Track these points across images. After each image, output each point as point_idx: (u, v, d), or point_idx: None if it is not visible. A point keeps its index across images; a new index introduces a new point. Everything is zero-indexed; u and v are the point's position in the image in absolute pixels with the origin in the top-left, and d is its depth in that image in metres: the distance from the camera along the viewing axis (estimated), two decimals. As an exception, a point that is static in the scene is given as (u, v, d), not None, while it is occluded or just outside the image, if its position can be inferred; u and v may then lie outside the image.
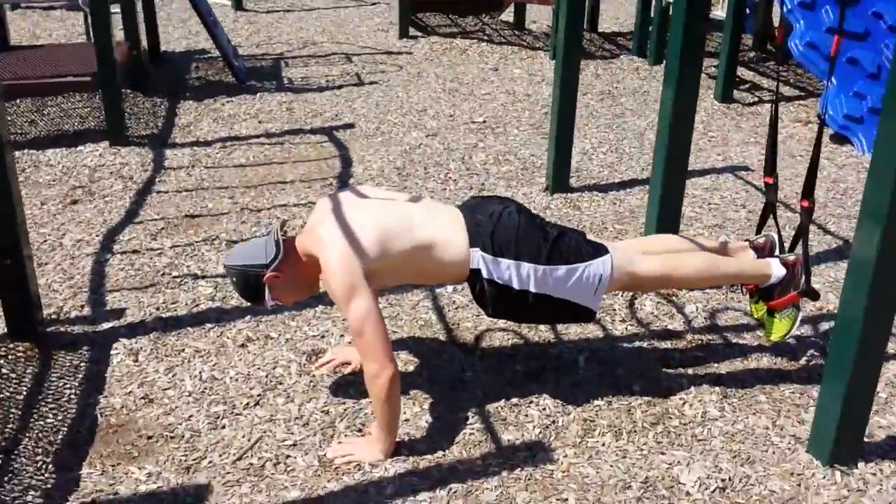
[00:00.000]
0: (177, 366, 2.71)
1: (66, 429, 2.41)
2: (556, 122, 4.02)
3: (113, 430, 2.42)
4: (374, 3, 9.28)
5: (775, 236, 2.68)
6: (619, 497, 2.12)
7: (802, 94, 6.00)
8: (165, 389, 2.60)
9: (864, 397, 2.12)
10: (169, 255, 3.43)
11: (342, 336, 2.87)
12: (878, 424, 2.39)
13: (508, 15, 8.33)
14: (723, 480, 2.17)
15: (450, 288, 3.17)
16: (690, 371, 2.69)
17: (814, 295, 2.53)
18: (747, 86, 6.17)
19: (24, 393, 2.55)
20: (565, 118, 4.01)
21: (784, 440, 2.33)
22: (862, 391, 2.11)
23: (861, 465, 2.20)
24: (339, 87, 6.03)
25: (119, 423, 2.45)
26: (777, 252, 2.65)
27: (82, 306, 3.05)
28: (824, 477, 2.16)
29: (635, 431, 2.38)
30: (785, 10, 5.11)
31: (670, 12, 7.46)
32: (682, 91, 3.08)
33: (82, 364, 2.72)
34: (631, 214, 3.93)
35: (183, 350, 2.80)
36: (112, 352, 2.78)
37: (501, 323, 2.95)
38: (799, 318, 2.53)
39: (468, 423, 2.42)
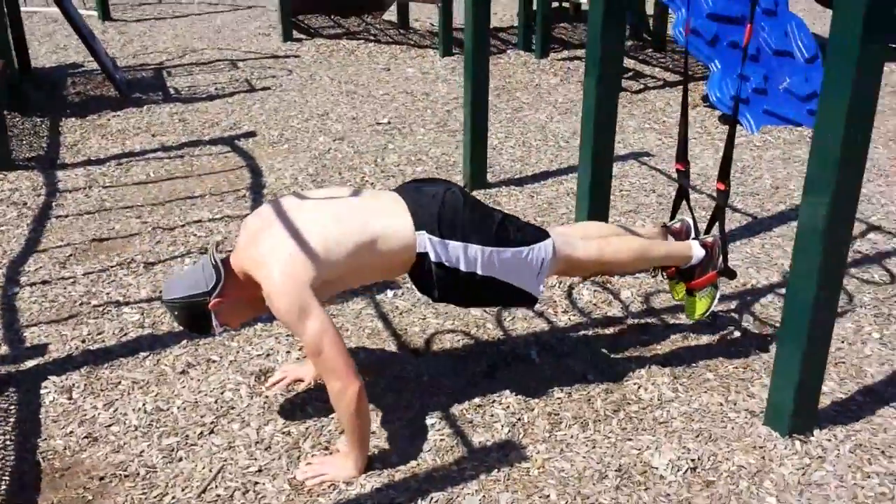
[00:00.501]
0: (116, 400, 2.55)
1: (7, 478, 2.23)
2: (469, 119, 4.04)
3: (59, 475, 2.25)
4: (249, 7, 9.02)
5: (689, 220, 2.79)
6: (598, 487, 2.16)
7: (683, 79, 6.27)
8: (109, 426, 2.44)
9: (818, 367, 2.25)
10: (84, 284, 3.22)
11: (288, 353, 2.79)
12: (821, 392, 2.53)
13: (390, 14, 8.30)
14: (692, 461, 2.25)
15: (390, 293, 3.13)
16: (637, 354, 2.77)
17: (731, 274, 2.66)
18: (630, 73, 6.40)
19: (-48, 446, 2.34)
20: (478, 114, 4.04)
21: (740, 415, 2.43)
22: (815, 361, 2.23)
23: (816, 432, 2.33)
24: (231, 94, 5.83)
25: (64, 466, 2.28)
26: (692, 235, 2.76)
27: (-2, 345, 2.83)
28: (785, 447, 2.28)
29: (599, 420, 2.43)
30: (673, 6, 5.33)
31: (553, 6, 7.68)
32: (604, 81, 3.15)
33: (11, 407, 2.52)
34: (549, 206, 4.00)
35: (119, 383, 2.64)
36: (42, 391, 2.59)
37: (449, 324, 2.94)
38: (717, 297, 2.65)
39: (436, 428, 2.40)
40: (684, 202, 2.86)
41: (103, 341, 2.86)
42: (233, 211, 3.90)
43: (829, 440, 2.31)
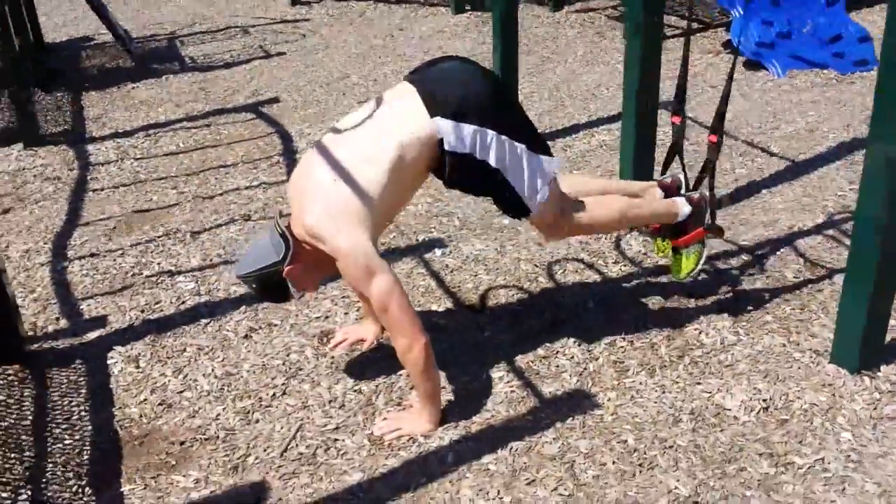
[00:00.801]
0: (184, 366, 2.58)
1: (88, 448, 2.26)
2: (500, 73, 4.01)
3: (139, 442, 2.29)
4: (253, -28, 8.91)
5: (681, 175, 2.70)
6: (674, 430, 2.19)
7: (702, 26, 6.22)
8: (181, 392, 2.47)
9: (887, 301, 2.27)
10: (133, 255, 3.24)
11: (346, 314, 2.81)
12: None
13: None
14: (763, 401, 2.28)
15: (438, 252, 3.15)
16: (692, 301, 2.79)
17: (719, 231, 2.61)
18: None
19: (30, 418, 2.37)
20: (508, 69, 4.02)
21: (805, 355, 2.46)
22: (885, 295, 2.25)
23: (883, 367, 2.36)
24: (247, 60, 5.79)
25: (143, 433, 2.32)
26: (683, 190, 2.67)
27: (57, 319, 2.85)
28: (854, 384, 2.31)
29: (665, 366, 2.46)
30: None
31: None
32: (646, 34, 3.12)
33: (81, 379, 2.55)
34: (583, 159, 3.99)
35: (185, 350, 2.67)
36: (109, 361, 2.62)
37: (501, 280, 2.96)
38: (705, 254, 2.57)
39: (504, 381, 2.43)
40: (677, 156, 2.76)
41: (161, 310, 2.88)
42: (268, 178, 3.90)
43: (897, 375, 2.34)
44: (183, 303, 2.92)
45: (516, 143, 2.20)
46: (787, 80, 4.95)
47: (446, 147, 2.14)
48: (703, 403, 2.29)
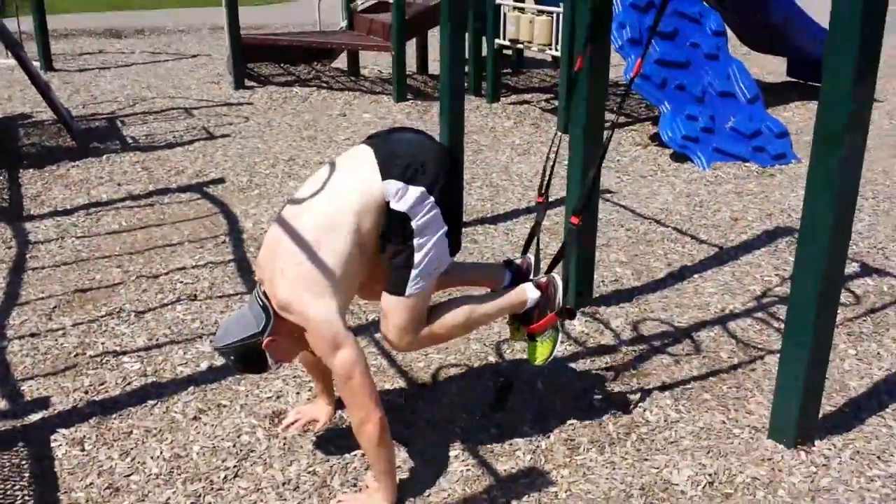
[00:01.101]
0: (131, 449, 2.53)
1: (31, 538, 2.19)
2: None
3: (85, 529, 2.23)
4: (194, 56, 9.03)
5: (531, 258, 2.64)
6: (626, 505, 2.26)
7: (631, 120, 6.57)
8: (128, 476, 2.42)
9: (819, 380, 2.41)
10: (75, 335, 3.18)
11: (298, 394, 2.81)
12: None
13: (338, 62, 8.44)
14: (708, 475, 2.37)
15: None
16: (636, 380, 2.89)
17: (570, 314, 2.46)
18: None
19: (-30, 504, 2.28)
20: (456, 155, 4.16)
21: (744, 431, 2.57)
22: (817, 376, 2.40)
23: (817, 443, 2.48)
24: (190, 141, 5.83)
25: (89, 519, 2.26)
26: (532, 273, 2.61)
27: (-4, 401, 2.77)
28: (792, 458, 2.42)
29: (614, 443, 2.54)
30: (616, 46, 5.60)
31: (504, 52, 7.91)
32: (589, 130, 3.29)
33: (24, 462, 2.47)
34: (523, 240, 4.13)
35: (131, 432, 2.62)
36: (53, 444, 2.55)
37: (452, 359, 3.02)
38: (559, 339, 2.48)
39: (460, 459, 2.46)
40: (535, 238, 2.68)
41: (107, 392, 2.83)
42: (215, 257, 3.91)
43: (830, 449, 2.46)
44: (129, 384, 2.87)
45: (442, 224, 2.24)
46: (710, 171, 5.25)
47: (392, 206, 2.17)
48: (651, 479, 2.37)
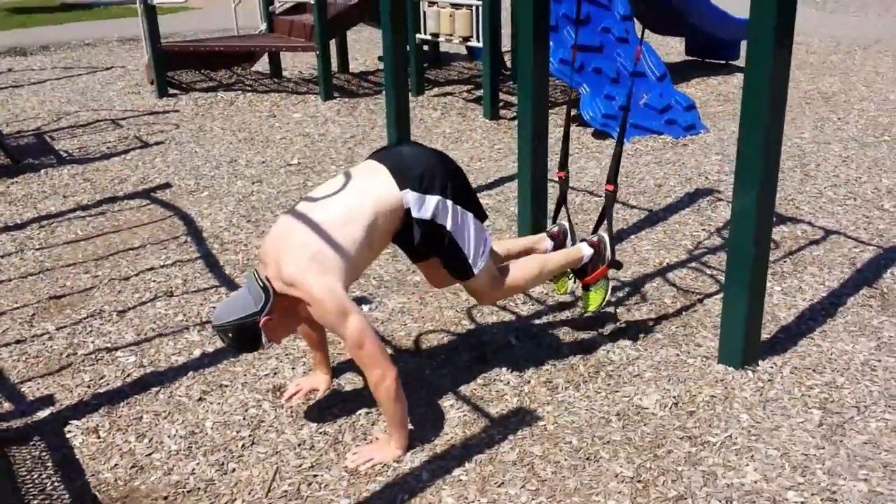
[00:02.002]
0: (146, 431, 2.70)
1: (73, 515, 2.34)
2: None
3: (121, 503, 2.39)
4: (108, 68, 8.96)
5: (566, 224, 3.14)
6: (608, 429, 2.57)
7: (549, 104, 6.94)
8: (149, 454, 2.59)
9: (759, 309, 2.79)
10: (62, 337, 3.29)
11: (293, 368, 3.02)
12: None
13: (258, 66, 8.54)
14: (673, 398, 2.71)
15: (366, 307, 3.43)
16: (595, 328, 3.22)
17: (618, 265, 3.00)
18: (501, 103, 7.01)
19: (5, 494, 2.40)
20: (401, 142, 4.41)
21: (696, 360, 2.93)
22: (757, 305, 2.77)
23: (760, 363, 2.86)
24: (126, 151, 5.88)
25: (122, 495, 2.42)
26: (569, 238, 3.12)
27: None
28: (741, 377, 2.80)
29: (587, 381, 2.86)
30: (534, 33, 5.95)
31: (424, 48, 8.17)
32: (536, 110, 3.61)
33: (44, 453, 2.60)
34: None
35: (141, 417, 2.78)
36: (68, 435, 2.68)
37: (430, 325, 3.28)
38: (610, 287, 3.03)
39: (455, 407, 2.73)
40: (564, 207, 3.21)
41: (108, 384, 2.97)
42: (181, 256, 4.05)
43: (772, 367, 2.85)
44: (128, 375, 3.02)
45: (467, 212, 2.59)
46: (630, 145, 5.67)
47: (414, 215, 2.49)
48: (625, 406, 2.69)
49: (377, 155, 2.63)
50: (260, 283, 2.41)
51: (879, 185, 4.66)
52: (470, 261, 2.63)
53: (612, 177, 3.01)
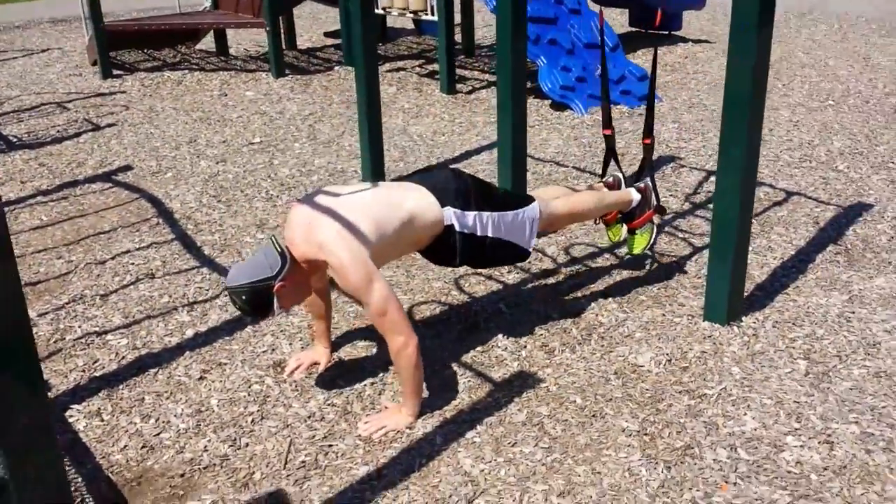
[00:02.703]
0: (150, 412, 2.69)
1: (89, 497, 2.33)
2: (365, 123, 4.40)
3: (136, 483, 2.39)
4: (44, 50, 8.65)
5: (619, 174, 3.40)
6: (608, 387, 2.68)
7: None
8: (157, 434, 2.59)
9: (742, 269, 2.92)
10: (46, 323, 3.24)
11: (290, 344, 3.04)
12: (727, 293, 3.23)
13: (202, 44, 8.37)
14: (666, 355, 2.84)
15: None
16: (580, 293, 3.32)
17: (662, 210, 3.30)
18: (456, 78, 7.04)
19: (18, 479, 2.37)
20: (373, 119, 4.42)
21: (682, 319, 3.06)
22: (740, 265, 2.91)
23: (744, 318, 3.01)
24: (77, 134, 5.73)
25: (136, 475, 2.42)
26: (623, 186, 3.38)
27: (-5, 391, 2.82)
28: (727, 332, 2.94)
29: (580, 343, 2.96)
30: (490, 7, 6.00)
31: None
32: (515, 82, 3.66)
33: (50, 439, 2.57)
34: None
35: (143, 398, 2.77)
36: (70, 419, 2.66)
37: (420, 297, 3.33)
38: (655, 231, 3.29)
39: (458, 374, 2.80)
40: (613, 160, 3.47)
41: (104, 367, 2.94)
42: (155, 238, 3.99)
43: (755, 322, 3.00)
44: (123, 358, 3.00)
45: (506, 213, 2.74)
46: (588, 116, 5.79)
47: (457, 230, 2.64)
48: (621, 365, 2.80)
49: (413, 177, 2.79)
50: (278, 248, 2.43)
51: (831, 148, 4.89)
52: (522, 245, 2.83)
53: (648, 131, 3.29)
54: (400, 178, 2.83)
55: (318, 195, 2.60)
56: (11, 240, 4.09)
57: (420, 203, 2.61)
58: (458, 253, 2.69)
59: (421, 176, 2.79)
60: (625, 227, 3.32)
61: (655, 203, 3.28)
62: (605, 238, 3.78)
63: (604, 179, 3.44)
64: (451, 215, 2.64)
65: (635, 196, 3.25)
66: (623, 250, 3.65)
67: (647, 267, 3.52)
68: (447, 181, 2.70)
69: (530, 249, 2.88)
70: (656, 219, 3.29)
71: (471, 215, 2.67)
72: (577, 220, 3.30)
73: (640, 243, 3.28)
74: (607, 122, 3.44)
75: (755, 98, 2.71)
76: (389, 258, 2.70)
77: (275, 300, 2.44)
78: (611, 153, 3.46)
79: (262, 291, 2.42)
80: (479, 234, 2.69)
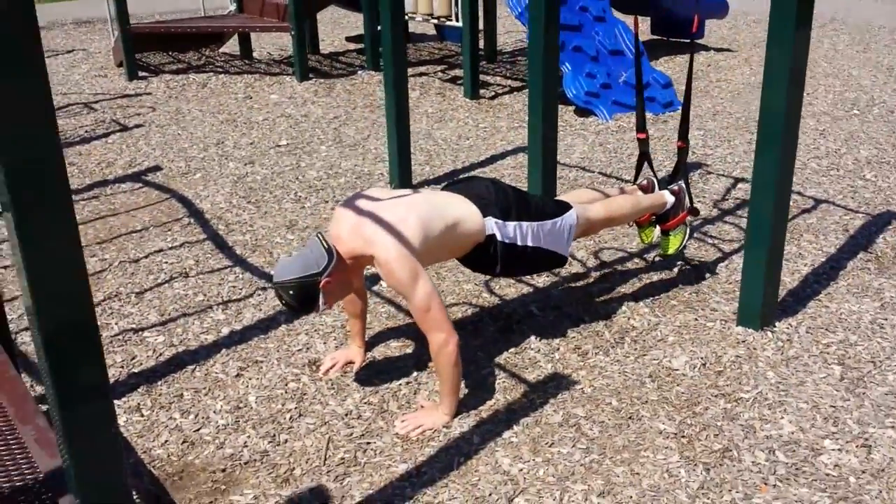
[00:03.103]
0: (189, 408, 2.72)
1: (135, 493, 2.36)
2: (393, 127, 4.44)
3: (178, 478, 2.42)
4: (69, 51, 8.74)
5: (653, 177, 3.42)
6: (644, 390, 2.70)
7: (525, 83, 7.04)
8: (198, 430, 2.62)
9: (776, 273, 2.94)
10: (83, 319, 3.27)
11: (325, 343, 3.07)
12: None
13: (226, 47, 8.44)
14: (700, 359, 2.85)
15: (385, 283, 3.49)
16: (611, 296, 3.34)
17: (695, 212, 3.35)
18: (479, 83, 7.08)
19: (63, 471, 2.41)
20: (402, 122, 4.45)
21: (715, 324, 3.08)
22: (775, 269, 2.92)
23: (777, 324, 3.02)
24: (105, 134, 5.79)
25: (178, 470, 2.45)
26: (657, 188, 3.40)
27: (32, 386, 2.86)
28: (761, 338, 2.95)
29: (614, 346, 2.97)
30: (515, 13, 6.04)
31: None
32: (547, 92, 3.70)
33: (92, 432, 2.60)
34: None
35: (181, 394, 2.80)
36: (112, 414, 2.69)
37: (451, 299, 3.36)
38: (688, 232, 3.31)
39: (493, 375, 2.82)
40: (646, 163, 3.48)
41: (141, 364, 2.98)
42: (187, 238, 4.04)
43: (788, 328, 3.01)
44: (160, 355, 3.03)
45: (545, 223, 2.77)
46: (613, 122, 5.81)
47: (498, 239, 2.68)
48: (655, 369, 2.82)
49: (452, 188, 2.83)
50: (325, 244, 2.46)
51: (858, 157, 4.89)
52: (560, 252, 2.86)
53: (683, 134, 3.34)
54: (442, 188, 2.86)
55: (362, 197, 2.64)
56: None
57: (464, 211, 2.65)
58: (499, 261, 2.72)
59: (461, 186, 2.83)
60: (658, 229, 3.34)
61: (689, 205, 3.31)
62: (635, 242, 3.80)
63: (638, 182, 3.46)
64: (492, 225, 2.68)
65: (669, 198, 3.27)
66: (653, 253, 3.66)
67: (678, 271, 3.53)
68: (488, 192, 2.74)
69: (567, 256, 2.91)
70: (689, 220, 3.31)
71: (511, 225, 2.70)
72: (614, 224, 3.33)
73: (673, 244, 3.31)
74: (641, 127, 3.46)
75: (791, 101, 2.72)
76: (433, 260, 2.72)
77: (320, 296, 2.47)
78: (644, 157, 3.48)
79: (309, 287, 2.45)
80: (519, 243, 2.72)
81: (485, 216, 2.68)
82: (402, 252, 2.45)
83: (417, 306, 2.46)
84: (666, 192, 3.29)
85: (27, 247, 1.32)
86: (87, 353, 1.43)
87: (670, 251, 3.31)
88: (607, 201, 3.12)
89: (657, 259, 3.56)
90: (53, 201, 1.31)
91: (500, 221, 2.69)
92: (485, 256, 2.74)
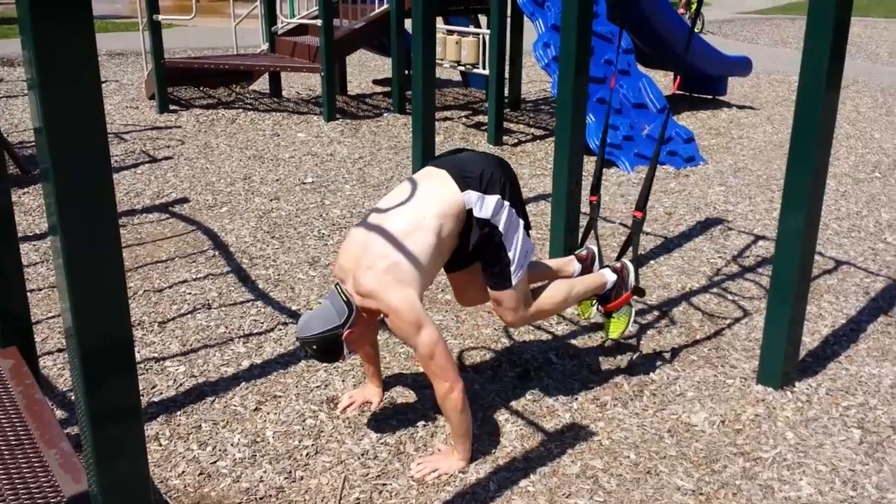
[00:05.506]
0: (207, 440, 2.74)
1: (149, 518, 2.37)
2: (420, 167, 4.49)
3: (194, 509, 2.43)
4: (103, 82, 8.93)
5: (594, 248, 3.17)
6: (662, 445, 2.69)
7: (549, 132, 7.13)
8: (214, 462, 2.63)
9: (799, 330, 2.94)
10: (106, 346, 3.31)
11: (343, 381, 3.09)
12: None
13: (256, 85, 8.60)
14: (720, 416, 2.84)
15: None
16: (630, 348, 3.34)
17: (641, 292, 3.05)
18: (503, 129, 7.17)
19: (80, 497, 2.43)
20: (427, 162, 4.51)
21: (735, 381, 3.07)
22: (797, 325, 2.92)
23: (797, 384, 3.01)
24: (135, 165, 5.89)
25: (194, 501, 2.46)
26: (596, 262, 3.14)
27: (52, 411, 2.89)
28: (781, 397, 2.94)
29: (633, 399, 2.97)
30: (542, 64, 6.14)
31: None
32: (573, 144, 3.75)
33: (111, 460, 2.62)
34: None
35: (200, 426, 2.82)
36: (131, 442, 2.71)
37: (470, 342, 3.37)
38: (633, 314, 3.06)
39: (510, 422, 2.82)
40: (592, 231, 3.24)
41: (161, 393, 3.00)
42: (212, 270, 4.08)
43: (808, 388, 3.00)
44: (180, 385, 3.06)
45: (520, 219, 2.68)
46: (635, 174, 5.86)
47: (475, 214, 2.55)
48: (674, 424, 2.81)
49: (437, 161, 2.70)
50: (343, 297, 2.48)
51: (880, 219, 4.90)
52: (512, 267, 2.63)
53: (642, 204, 3.06)
54: (433, 161, 2.72)
55: (357, 233, 2.57)
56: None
57: (443, 200, 2.51)
58: (472, 238, 2.56)
59: (448, 160, 2.68)
60: (595, 307, 3.09)
61: (634, 284, 3.02)
62: (655, 294, 3.81)
63: (577, 252, 3.22)
64: (470, 199, 2.53)
65: (610, 277, 3.02)
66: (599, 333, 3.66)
67: (697, 327, 3.53)
68: (473, 166, 2.57)
69: (512, 282, 2.65)
70: (633, 301, 3.11)
71: (492, 199, 2.54)
72: (544, 318, 3.20)
73: (616, 327, 3.03)
74: (595, 189, 3.25)
75: (819, 163, 2.75)
76: (438, 269, 2.64)
77: (344, 346, 2.50)
78: (592, 223, 3.25)
79: (333, 340, 2.47)
80: (493, 221, 2.55)
81: (463, 191, 2.52)
82: (403, 302, 2.42)
83: (422, 353, 2.47)
84: (605, 272, 3.04)
85: (72, 268, 1.34)
86: (123, 374, 1.45)
87: (614, 335, 3.05)
88: (539, 299, 2.86)
89: (608, 343, 3.37)
90: (101, 223, 1.34)
91: (478, 193, 2.53)
92: (464, 239, 2.59)
